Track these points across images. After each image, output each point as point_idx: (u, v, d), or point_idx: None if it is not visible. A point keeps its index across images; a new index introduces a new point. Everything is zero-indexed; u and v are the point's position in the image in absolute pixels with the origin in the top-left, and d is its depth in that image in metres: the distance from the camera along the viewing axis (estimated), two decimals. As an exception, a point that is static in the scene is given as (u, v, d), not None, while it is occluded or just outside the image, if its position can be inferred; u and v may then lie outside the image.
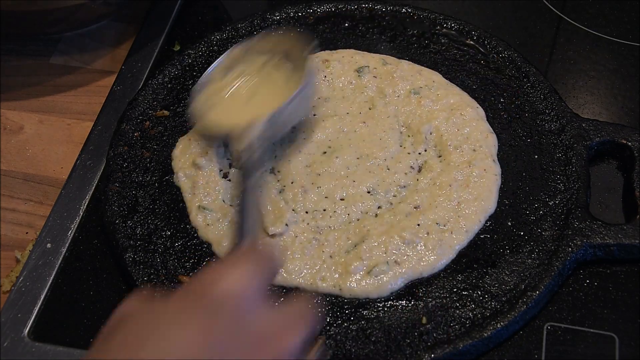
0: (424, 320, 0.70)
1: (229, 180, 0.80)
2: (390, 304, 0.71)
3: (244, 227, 0.63)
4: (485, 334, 0.68)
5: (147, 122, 0.85)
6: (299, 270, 0.73)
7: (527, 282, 0.72)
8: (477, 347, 0.68)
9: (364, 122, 0.83)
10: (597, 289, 0.73)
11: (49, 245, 0.77)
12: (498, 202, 0.78)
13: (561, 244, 0.74)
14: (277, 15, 0.94)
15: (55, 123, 0.91)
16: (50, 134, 0.90)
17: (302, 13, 0.94)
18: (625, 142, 0.81)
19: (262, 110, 0.75)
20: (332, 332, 0.70)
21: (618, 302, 0.72)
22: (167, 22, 0.98)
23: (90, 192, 0.81)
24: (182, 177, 0.80)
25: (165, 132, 0.85)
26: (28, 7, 0.87)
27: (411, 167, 0.80)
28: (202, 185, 0.79)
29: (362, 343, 0.69)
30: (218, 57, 0.83)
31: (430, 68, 0.88)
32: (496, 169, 0.80)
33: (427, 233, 0.74)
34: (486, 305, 0.70)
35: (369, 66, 0.87)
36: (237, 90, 0.81)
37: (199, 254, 0.75)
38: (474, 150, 0.80)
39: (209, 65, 0.89)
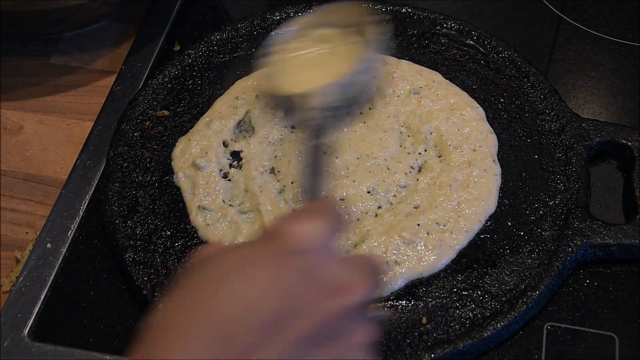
0: (424, 320, 0.70)
1: (229, 180, 0.80)
2: (390, 304, 0.71)
3: (313, 185, 0.67)
4: (485, 334, 0.68)
5: (147, 122, 0.85)
6: (299, 270, 0.73)
7: (527, 282, 0.72)
8: (477, 347, 0.68)
9: (364, 122, 0.83)
10: (597, 289, 0.73)
11: (49, 245, 0.77)
12: (498, 202, 0.78)
13: (561, 244, 0.74)
14: (277, 15, 0.94)
15: (55, 123, 0.91)
16: (50, 134, 0.90)
17: (302, 13, 0.94)
18: (625, 142, 0.81)
19: (330, 78, 0.77)
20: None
21: (618, 302, 0.72)
22: (167, 22, 0.98)
23: (90, 192, 0.81)
24: (182, 177, 0.80)
25: (165, 132, 0.85)
26: (28, 7, 0.87)
27: (411, 167, 0.80)
28: (202, 185, 0.79)
29: (362, 343, 0.69)
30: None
31: (430, 68, 0.88)
32: (496, 169, 0.80)
33: (427, 233, 0.74)
34: (486, 305, 0.70)
35: (369, 66, 0.88)
36: (308, 57, 0.82)
37: (199, 254, 0.75)
38: (474, 150, 0.80)
39: (209, 65, 0.90)
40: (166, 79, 0.89)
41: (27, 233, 0.81)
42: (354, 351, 0.52)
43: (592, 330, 0.70)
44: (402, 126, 0.83)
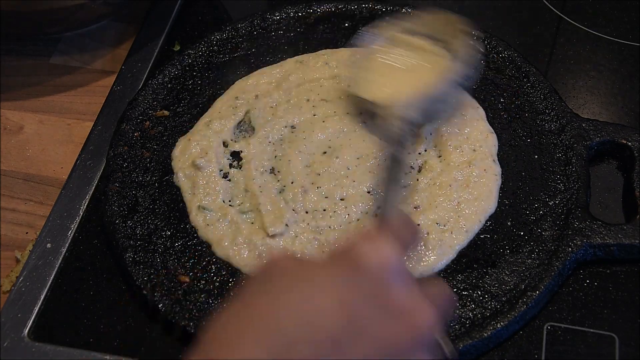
0: (424, 320, 0.70)
1: (229, 180, 0.80)
2: (390, 304, 0.71)
3: (387, 197, 0.65)
4: (485, 334, 0.68)
5: (147, 122, 0.85)
6: (299, 270, 0.73)
7: (527, 282, 0.71)
8: (477, 347, 0.68)
9: (364, 122, 0.83)
10: (597, 289, 0.73)
11: (49, 245, 0.77)
12: (498, 202, 0.78)
13: (561, 244, 0.74)
14: (277, 15, 0.94)
15: (55, 123, 0.91)
16: (50, 134, 0.90)
17: (302, 13, 0.94)
18: (625, 142, 0.80)
19: (415, 89, 0.76)
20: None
21: (618, 302, 0.72)
22: (167, 22, 0.98)
23: (90, 192, 0.81)
24: (182, 177, 0.80)
25: (165, 132, 0.85)
26: (28, 7, 0.87)
27: (411, 167, 0.80)
28: (202, 185, 0.79)
29: (362, 343, 0.69)
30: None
31: (430, 68, 0.88)
32: (496, 169, 0.80)
33: (427, 233, 0.74)
34: (486, 305, 0.70)
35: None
36: (396, 65, 0.81)
37: (199, 254, 0.75)
38: (474, 150, 0.80)
39: (209, 65, 0.90)
40: (166, 79, 0.89)
41: (27, 233, 0.81)
42: None
43: (592, 330, 0.70)
44: (402, 126, 0.83)
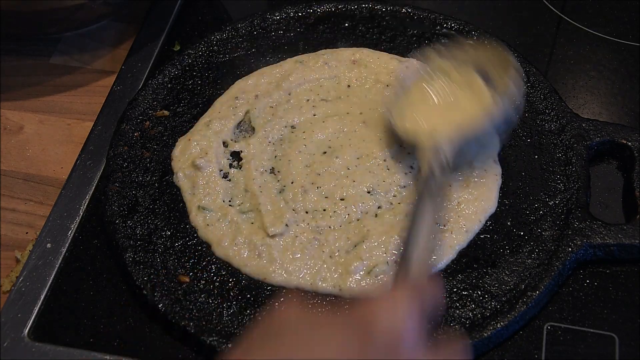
0: (424, 320, 0.70)
1: (229, 180, 0.80)
2: (390, 304, 0.71)
3: (412, 254, 0.62)
4: (485, 334, 0.68)
5: (147, 122, 0.85)
6: (299, 270, 0.73)
7: (527, 282, 0.71)
8: (477, 347, 0.68)
9: (364, 122, 0.83)
10: (597, 289, 0.73)
11: (49, 245, 0.77)
12: (498, 202, 0.78)
13: (561, 244, 0.74)
14: (277, 15, 0.94)
15: (55, 123, 0.91)
16: (50, 134, 0.90)
17: (302, 13, 0.94)
18: (625, 142, 0.81)
19: (453, 124, 0.74)
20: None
21: (618, 302, 0.72)
22: (167, 22, 0.98)
23: (90, 192, 0.81)
24: (182, 177, 0.80)
25: (165, 132, 0.85)
26: (28, 7, 0.87)
27: (411, 167, 0.80)
28: (202, 185, 0.79)
29: (362, 343, 0.69)
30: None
31: (430, 68, 0.88)
32: (496, 169, 0.80)
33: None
34: (486, 305, 0.70)
35: (369, 66, 0.88)
36: (434, 98, 0.80)
37: (199, 254, 0.75)
38: (474, 150, 0.80)
39: (209, 65, 0.90)
40: (166, 79, 0.89)
41: (27, 233, 0.81)
42: None
43: (592, 330, 0.70)
44: (402, 126, 0.83)
